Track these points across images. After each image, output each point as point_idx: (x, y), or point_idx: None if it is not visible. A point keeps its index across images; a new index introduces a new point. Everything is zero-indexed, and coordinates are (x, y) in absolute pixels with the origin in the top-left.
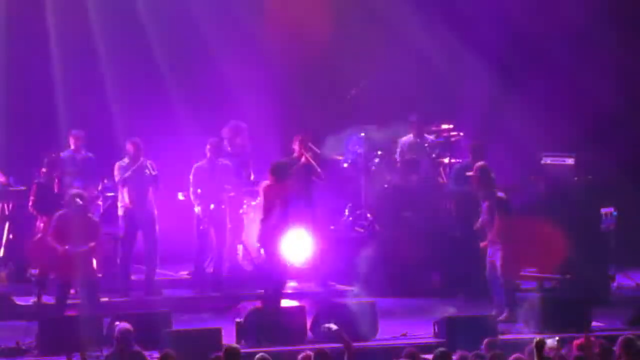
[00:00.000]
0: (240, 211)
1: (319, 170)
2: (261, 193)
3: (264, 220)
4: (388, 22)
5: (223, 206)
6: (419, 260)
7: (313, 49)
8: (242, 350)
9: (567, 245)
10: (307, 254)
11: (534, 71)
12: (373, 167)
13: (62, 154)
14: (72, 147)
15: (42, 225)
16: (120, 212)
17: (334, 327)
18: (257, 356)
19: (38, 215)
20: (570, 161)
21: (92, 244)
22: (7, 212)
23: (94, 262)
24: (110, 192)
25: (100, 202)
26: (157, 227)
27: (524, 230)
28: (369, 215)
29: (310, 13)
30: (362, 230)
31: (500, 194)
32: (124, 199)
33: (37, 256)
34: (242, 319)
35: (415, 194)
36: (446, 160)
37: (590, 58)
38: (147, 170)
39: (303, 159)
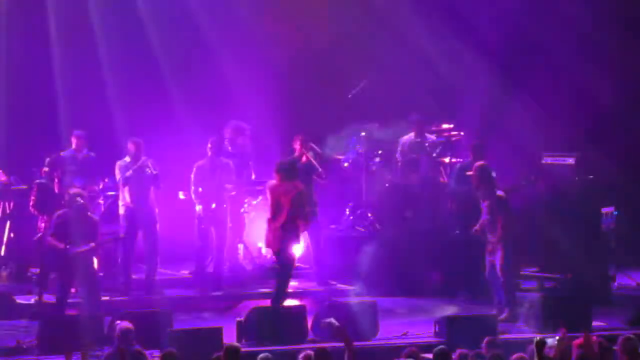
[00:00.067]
0: (241, 210)
1: (320, 169)
2: (267, 192)
3: (270, 220)
4: (388, 22)
5: (224, 205)
6: (419, 259)
7: (313, 48)
8: (243, 350)
9: (568, 245)
10: (300, 252)
11: (534, 71)
12: (374, 167)
13: (63, 153)
14: (74, 146)
15: (43, 224)
16: (121, 211)
17: (335, 322)
18: (260, 356)
19: (39, 215)
20: (570, 161)
21: (93, 243)
22: (8, 211)
23: (95, 261)
24: (111, 192)
25: (101, 201)
26: (157, 226)
27: (524, 230)
28: (369, 214)
29: (311, 13)
30: (362, 230)
31: (499, 193)
32: (124, 198)
33: (38, 255)
34: (243, 318)
35: (415, 193)
36: (447, 160)
37: (590, 58)
38: (148, 170)
39: (304, 159)
